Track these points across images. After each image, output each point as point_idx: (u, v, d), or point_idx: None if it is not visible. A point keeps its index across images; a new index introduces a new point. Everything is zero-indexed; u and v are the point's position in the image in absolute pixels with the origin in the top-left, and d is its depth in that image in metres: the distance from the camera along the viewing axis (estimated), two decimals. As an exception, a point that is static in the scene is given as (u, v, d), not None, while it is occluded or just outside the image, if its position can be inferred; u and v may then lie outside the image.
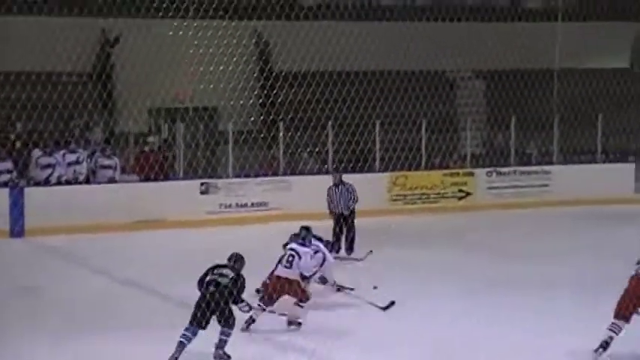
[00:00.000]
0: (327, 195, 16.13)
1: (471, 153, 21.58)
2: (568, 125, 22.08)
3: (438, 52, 22.03)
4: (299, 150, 20.37)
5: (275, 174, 19.78)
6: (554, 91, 22.61)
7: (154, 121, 22.67)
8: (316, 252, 12.09)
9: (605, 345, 9.92)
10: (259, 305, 11.37)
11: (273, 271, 11.84)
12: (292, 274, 11.55)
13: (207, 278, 10.30)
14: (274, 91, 19.91)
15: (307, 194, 19.16)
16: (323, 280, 12.34)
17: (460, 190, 20.91)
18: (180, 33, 16.95)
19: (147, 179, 18.66)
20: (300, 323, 11.46)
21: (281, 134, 19.52)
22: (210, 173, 19.37)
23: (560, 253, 15.84)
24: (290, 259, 11.62)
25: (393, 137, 20.51)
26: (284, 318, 11.49)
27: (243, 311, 10.44)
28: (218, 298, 10.10)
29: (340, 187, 16.06)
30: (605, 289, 11.46)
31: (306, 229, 11.97)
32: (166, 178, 18.99)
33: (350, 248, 15.77)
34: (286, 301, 11.58)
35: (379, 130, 20.35)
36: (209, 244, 15.90)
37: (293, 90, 19.80)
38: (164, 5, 15.34)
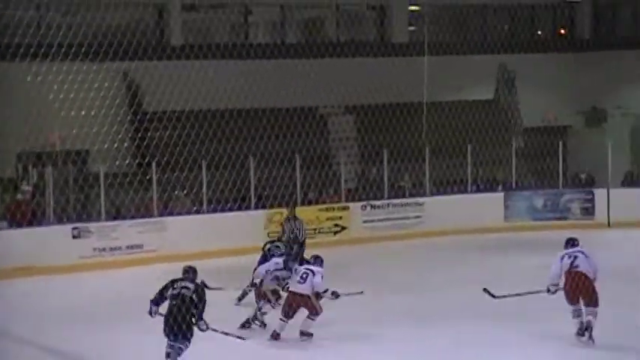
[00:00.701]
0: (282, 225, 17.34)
1: (345, 187, 21.81)
2: (439, 157, 22.53)
3: (309, 89, 22.23)
4: (176, 191, 20.23)
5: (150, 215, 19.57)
6: (424, 124, 23.05)
7: (22, 165, 22.17)
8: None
9: (581, 331, 12.30)
10: (281, 320, 12.77)
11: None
12: (305, 290, 12.80)
13: (169, 292, 10.96)
14: (146, 132, 19.75)
15: (183, 234, 19.08)
16: (336, 295, 13.12)
17: (336, 225, 21.08)
18: (50, 77, 16.66)
19: (18, 225, 18.28)
20: (311, 334, 12.78)
21: (154, 175, 19.35)
22: (82, 217, 19.07)
23: (438, 283, 16.16)
24: (304, 275, 12.92)
25: (269, 174, 20.55)
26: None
27: (202, 329, 10.91)
28: (184, 310, 10.76)
29: (295, 220, 17.25)
30: (484, 316, 11.92)
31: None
32: (37, 223, 18.62)
33: None
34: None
35: (254, 168, 20.38)
36: (83, 289, 15.62)
37: (166, 130, 19.70)
38: (32, 50, 15.08)
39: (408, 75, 22.56)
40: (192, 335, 10.78)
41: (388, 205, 21.44)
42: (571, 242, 12.93)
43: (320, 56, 22.93)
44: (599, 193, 22.50)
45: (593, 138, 24.60)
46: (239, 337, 12.30)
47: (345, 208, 21.23)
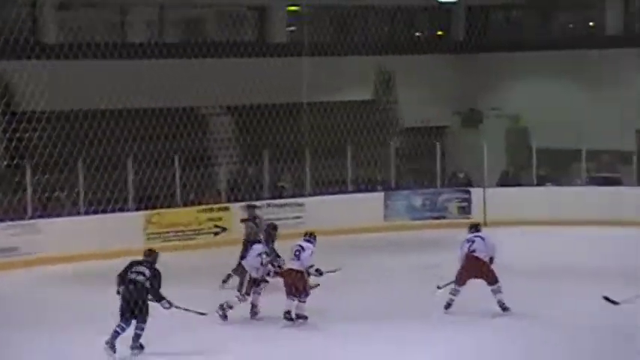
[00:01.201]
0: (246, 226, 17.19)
1: (225, 188, 21.67)
2: (319, 157, 22.59)
3: (189, 89, 22.03)
4: (56, 192, 19.76)
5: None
6: (304, 124, 23.08)
7: None
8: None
9: (448, 305, 13.87)
10: (290, 298, 13.46)
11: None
12: (300, 266, 13.52)
13: (128, 277, 11.81)
14: (15, 133, 19.26)
15: (60, 237, 18.66)
16: (319, 272, 13.75)
17: (216, 226, 20.92)
18: None
19: None
20: (306, 317, 13.49)
21: (28, 177, 18.86)
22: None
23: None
24: (297, 252, 13.65)
25: (147, 175, 20.27)
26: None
27: (165, 307, 11.99)
28: (137, 296, 11.65)
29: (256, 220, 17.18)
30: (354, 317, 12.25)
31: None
32: None
33: None
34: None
35: (131, 168, 20.07)
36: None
37: (39, 131, 19.24)
38: None
39: (288, 75, 22.56)
40: (144, 320, 11.75)
41: (268, 205, 21.38)
42: (473, 228, 14.31)
43: (200, 56, 22.72)
44: (476, 193, 22.92)
45: (470, 138, 25.01)
46: (201, 313, 12.70)
47: (225, 209, 21.09)
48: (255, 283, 13.83)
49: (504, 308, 13.89)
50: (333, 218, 21.28)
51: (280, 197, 22.08)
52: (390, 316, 14.05)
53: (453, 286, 13.98)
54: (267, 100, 22.47)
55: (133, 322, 11.89)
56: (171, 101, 21.66)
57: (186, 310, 12.55)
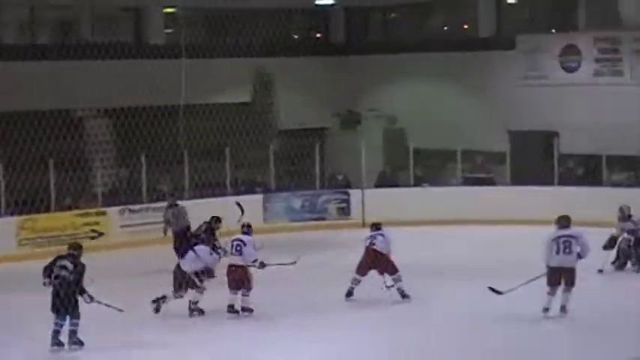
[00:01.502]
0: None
1: (102, 192, 21.35)
2: (197, 160, 22.45)
3: (64, 91, 21.63)
4: None
5: None
6: (181, 127, 22.90)
7: None
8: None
9: (349, 293, 14.98)
10: (234, 292, 13.98)
11: None
12: (241, 261, 13.99)
13: (54, 272, 12.09)
14: None
15: None
16: (262, 265, 14.27)
17: (93, 230, 20.60)
18: None
19: None
20: (252, 310, 14.03)
21: None
22: None
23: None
24: (238, 247, 14.09)
25: (21, 179, 19.83)
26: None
27: (86, 302, 12.26)
28: (64, 290, 11.94)
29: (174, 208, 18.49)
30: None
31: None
32: None
33: None
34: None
35: (3, 173, 19.61)
36: None
37: None
38: None
39: (166, 77, 22.33)
40: (76, 315, 12.07)
41: (147, 209, 21.16)
42: (374, 226, 15.33)
43: (76, 58, 22.31)
44: (355, 194, 23.14)
45: (349, 140, 25.22)
46: (119, 310, 12.84)
47: (102, 213, 20.79)
48: (196, 278, 14.13)
49: (404, 296, 14.87)
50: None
51: (159, 201, 21.85)
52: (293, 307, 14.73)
53: (355, 276, 15.03)
54: (144, 103, 22.22)
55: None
56: (45, 103, 21.23)
57: (107, 305, 12.74)
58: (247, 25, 25.38)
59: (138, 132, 21.82)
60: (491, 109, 25.14)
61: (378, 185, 24.12)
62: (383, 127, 26.73)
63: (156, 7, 25.21)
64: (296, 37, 28.70)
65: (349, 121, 27.10)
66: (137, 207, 21.19)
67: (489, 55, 25.52)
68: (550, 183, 22.66)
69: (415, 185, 23.72)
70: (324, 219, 23.07)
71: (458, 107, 25.50)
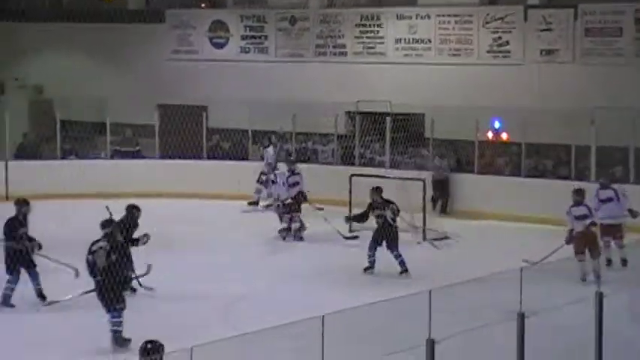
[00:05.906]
0: None
1: None
2: None
3: None
4: None
5: None
6: None
7: None
8: None
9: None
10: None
11: None
12: None
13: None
14: None
15: None
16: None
17: None
18: None
19: None
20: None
21: None
22: None
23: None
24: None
25: None
26: None
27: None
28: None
29: None
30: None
31: None
32: None
33: None
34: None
35: None
36: None
37: None
38: None
39: None
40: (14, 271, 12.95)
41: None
42: None
43: None
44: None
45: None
46: (75, 273, 12.90)
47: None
48: None
49: None
50: None
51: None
52: None
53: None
54: None
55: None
56: None
57: (57, 262, 13.29)
58: None
59: None
60: (141, 83, 25.13)
61: (17, 157, 23.31)
62: (29, 98, 25.96)
63: None
64: None
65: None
66: None
67: (139, 28, 25.47)
68: (198, 157, 23.03)
69: (63, 158, 23.23)
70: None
71: (108, 80, 25.29)
